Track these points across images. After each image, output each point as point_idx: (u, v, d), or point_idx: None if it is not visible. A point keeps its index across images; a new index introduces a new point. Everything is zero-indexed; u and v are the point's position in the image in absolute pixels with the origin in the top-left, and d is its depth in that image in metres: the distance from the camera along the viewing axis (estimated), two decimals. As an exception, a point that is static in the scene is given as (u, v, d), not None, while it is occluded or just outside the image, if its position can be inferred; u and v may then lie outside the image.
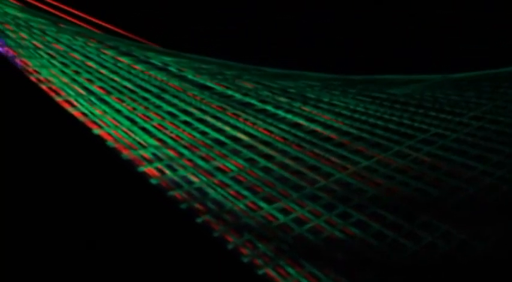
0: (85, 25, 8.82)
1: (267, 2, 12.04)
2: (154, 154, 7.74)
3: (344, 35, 12.13)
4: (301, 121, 8.45)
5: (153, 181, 7.49)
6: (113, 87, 8.17)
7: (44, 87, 7.88)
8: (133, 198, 8.89)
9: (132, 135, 7.87)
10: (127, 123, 7.94)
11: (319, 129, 8.42)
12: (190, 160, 7.79)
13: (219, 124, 8.18)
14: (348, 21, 12.13)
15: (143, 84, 8.27)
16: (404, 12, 12.03)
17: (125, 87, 8.21)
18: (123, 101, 8.10)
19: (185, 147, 7.88)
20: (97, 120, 7.87)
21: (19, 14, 8.29)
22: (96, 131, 7.72)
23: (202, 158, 7.83)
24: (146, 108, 8.11)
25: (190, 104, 8.26)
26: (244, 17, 11.74)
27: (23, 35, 8.19)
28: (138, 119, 8.00)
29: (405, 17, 12.04)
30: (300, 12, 12.05)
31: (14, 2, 8.62)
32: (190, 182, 7.61)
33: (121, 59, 8.42)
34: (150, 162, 7.64)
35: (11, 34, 8.11)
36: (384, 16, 12.21)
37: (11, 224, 8.95)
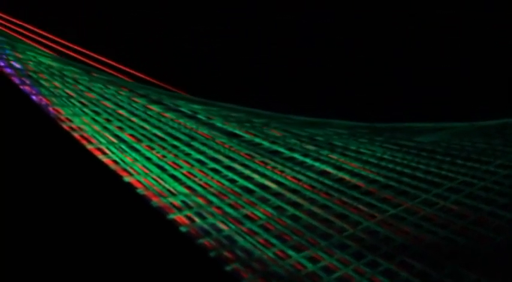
0: (116, 74, 9.01)
1: (267, 2, 12.13)
2: (183, 202, 7.82)
3: (344, 34, 12.19)
4: (329, 169, 8.51)
5: (183, 229, 7.55)
6: (143, 135, 8.29)
7: (76, 135, 8.01)
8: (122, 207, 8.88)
9: (162, 182, 7.96)
10: (157, 170, 8.04)
11: (346, 177, 8.48)
12: (219, 208, 7.86)
13: (247, 172, 8.26)
14: (348, 21, 12.20)
15: (173, 132, 8.39)
16: (404, 12, 12.10)
17: (155, 135, 8.33)
18: (153, 149, 8.22)
19: (214, 195, 7.95)
20: (127, 168, 7.97)
21: (53, 63, 8.48)
22: (127, 178, 7.82)
23: (231, 206, 7.89)
24: (176, 156, 8.21)
25: (219, 152, 8.36)
26: (244, 17, 11.84)
27: (56, 83, 8.36)
28: (167, 167, 8.10)
29: (405, 16, 12.11)
30: (300, 12, 12.14)
31: (48, 51, 8.83)
32: (219, 230, 7.66)
33: (151, 107, 8.57)
34: (179, 209, 7.71)
35: (44, 83, 8.28)
36: (384, 16, 12.26)
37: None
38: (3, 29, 9.19)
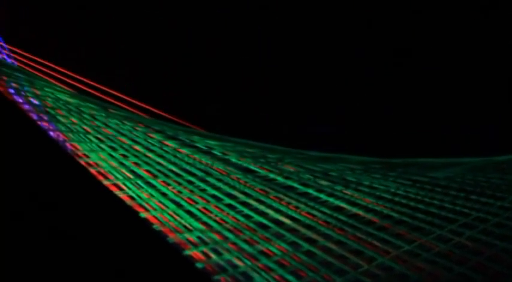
0: (133, 109, 9.11)
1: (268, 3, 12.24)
2: (199, 238, 7.86)
3: (345, 35, 12.29)
4: (343, 205, 8.55)
5: (199, 265, 7.58)
6: (159, 170, 8.37)
7: (93, 171, 8.08)
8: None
9: (178, 218, 8.01)
10: (173, 206, 8.10)
11: (360, 212, 8.51)
12: (234, 244, 7.89)
13: (262, 207, 8.31)
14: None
15: (188, 167, 8.46)
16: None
17: (171, 170, 8.40)
18: (169, 185, 8.28)
19: (229, 230, 7.99)
20: (144, 204, 8.03)
21: (70, 100, 8.58)
22: (143, 214, 7.88)
23: (247, 242, 7.92)
24: (191, 191, 8.27)
25: (234, 188, 8.42)
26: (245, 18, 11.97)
27: (74, 119, 8.46)
28: (183, 203, 8.16)
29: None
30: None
31: (66, 88, 8.94)
32: (235, 266, 7.69)
33: (167, 142, 8.65)
34: (195, 246, 7.75)
35: (62, 119, 8.38)
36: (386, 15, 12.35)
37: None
38: (22, 66, 9.33)
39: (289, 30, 12.40)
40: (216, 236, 7.91)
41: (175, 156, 8.54)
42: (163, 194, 8.17)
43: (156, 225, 7.83)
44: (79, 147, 8.31)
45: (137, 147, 8.48)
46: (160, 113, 9.39)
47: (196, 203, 8.18)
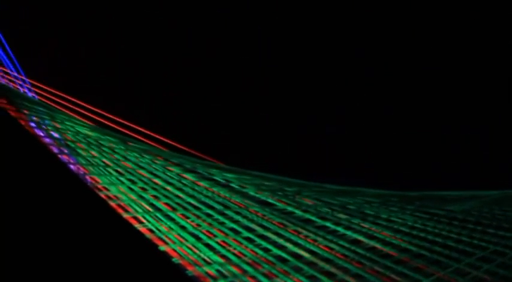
0: (152, 143, 9.20)
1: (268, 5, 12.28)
2: (218, 271, 7.88)
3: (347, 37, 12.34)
4: (361, 238, 8.57)
5: (218, 298, 7.62)
6: (178, 203, 8.42)
7: (113, 204, 8.14)
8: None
9: (197, 251, 8.04)
10: (192, 239, 8.13)
11: (378, 246, 8.53)
12: (253, 277, 7.91)
13: (280, 241, 8.34)
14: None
15: (207, 200, 8.52)
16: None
17: (190, 203, 8.45)
18: (187, 218, 8.33)
19: (248, 264, 8.02)
20: (163, 237, 8.08)
21: (90, 133, 8.68)
22: (162, 247, 7.92)
23: (265, 275, 7.94)
24: (210, 224, 8.32)
25: (252, 221, 8.46)
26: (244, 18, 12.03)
27: (94, 153, 8.54)
28: (202, 236, 8.20)
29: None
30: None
31: (86, 121, 9.05)
32: (254, 300, 7.72)
33: (185, 176, 8.72)
34: (214, 279, 7.78)
35: (82, 152, 8.47)
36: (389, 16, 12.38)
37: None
38: (43, 99, 9.45)
39: (289, 30, 12.47)
40: (235, 269, 7.93)
41: (193, 189, 8.60)
42: (182, 227, 8.22)
43: (175, 258, 7.86)
44: (99, 180, 8.39)
45: (156, 180, 8.55)
46: (179, 145, 9.46)
47: (215, 236, 8.22)
